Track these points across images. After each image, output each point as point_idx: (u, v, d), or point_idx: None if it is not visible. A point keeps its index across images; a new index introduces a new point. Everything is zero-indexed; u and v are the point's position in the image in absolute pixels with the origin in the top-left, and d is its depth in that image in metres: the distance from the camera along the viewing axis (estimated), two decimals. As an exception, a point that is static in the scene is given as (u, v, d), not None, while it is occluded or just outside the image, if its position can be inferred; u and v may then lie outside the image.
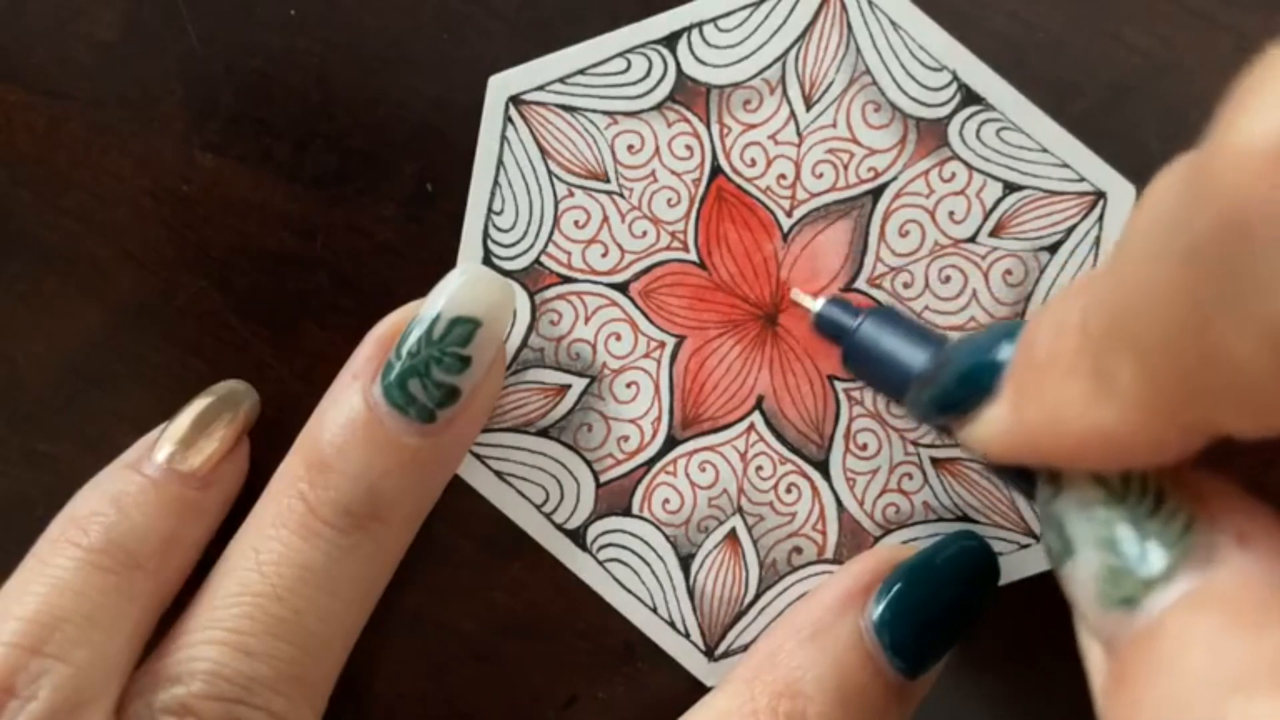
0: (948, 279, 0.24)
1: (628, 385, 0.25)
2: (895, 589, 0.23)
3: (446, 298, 0.23)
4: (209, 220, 0.25)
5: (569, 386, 0.25)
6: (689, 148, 0.25)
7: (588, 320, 0.25)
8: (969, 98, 0.24)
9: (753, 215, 0.25)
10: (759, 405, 0.25)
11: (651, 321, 0.25)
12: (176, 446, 0.24)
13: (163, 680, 0.22)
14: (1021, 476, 0.19)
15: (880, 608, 0.23)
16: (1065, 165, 0.24)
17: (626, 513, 0.25)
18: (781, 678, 0.23)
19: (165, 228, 0.25)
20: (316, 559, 0.22)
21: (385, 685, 0.25)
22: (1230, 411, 0.13)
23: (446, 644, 0.26)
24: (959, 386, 0.18)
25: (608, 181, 0.25)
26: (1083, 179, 0.24)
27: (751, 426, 0.25)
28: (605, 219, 0.25)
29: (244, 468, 0.25)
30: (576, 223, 0.25)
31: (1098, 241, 0.24)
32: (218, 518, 0.24)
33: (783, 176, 0.25)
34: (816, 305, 0.23)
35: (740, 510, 0.25)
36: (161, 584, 0.23)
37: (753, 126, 0.25)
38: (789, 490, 0.25)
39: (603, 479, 0.25)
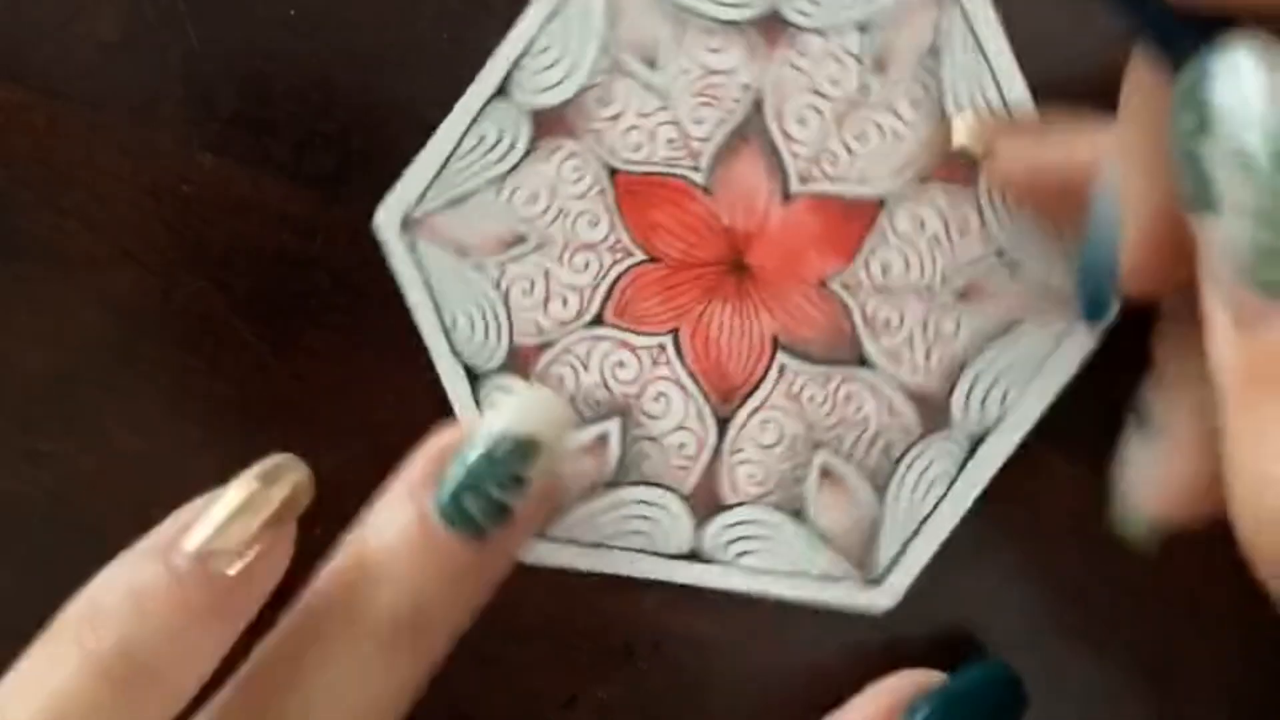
0: (862, 135, 0.25)
1: (656, 400, 0.25)
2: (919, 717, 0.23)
3: (507, 417, 0.23)
4: (209, 220, 0.25)
5: (607, 434, 0.25)
6: (577, 169, 0.25)
7: (586, 367, 0.25)
8: None
9: (666, 188, 0.25)
10: (777, 346, 0.25)
11: (640, 333, 0.25)
12: (211, 535, 0.20)
13: None
14: (1181, 34, 0.15)
15: None
16: None
17: (724, 509, 0.25)
18: None
19: (165, 228, 0.25)
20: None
21: (385, 685, 0.25)
22: None
23: (446, 644, 0.26)
24: None
25: (527, 241, 0.25)
26: None
27: (783, 368, 0.25)
28: (546, 272, 0.25)
29: (287, 558, 0.21)
30: (523, 291, 0.25)
31: (970, 27, 0.25)
32: (249, 615, 0.21)
33: (671, 140, 0.25)
34: None
35: (820, 445, 0.25)
36: (175, 692, 0.20)
37: (617, 117, 0.25)
38: (848, 399, 0.25)
39: (686, 491, 0.25)
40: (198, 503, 0.21)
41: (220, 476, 0.21)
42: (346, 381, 0.25)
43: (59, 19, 0.25)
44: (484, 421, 0.23)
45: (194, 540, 0.20)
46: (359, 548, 0.22)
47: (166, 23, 0.25)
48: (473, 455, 0.22)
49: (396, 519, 0.22)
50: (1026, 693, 0.24)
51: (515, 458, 0.22)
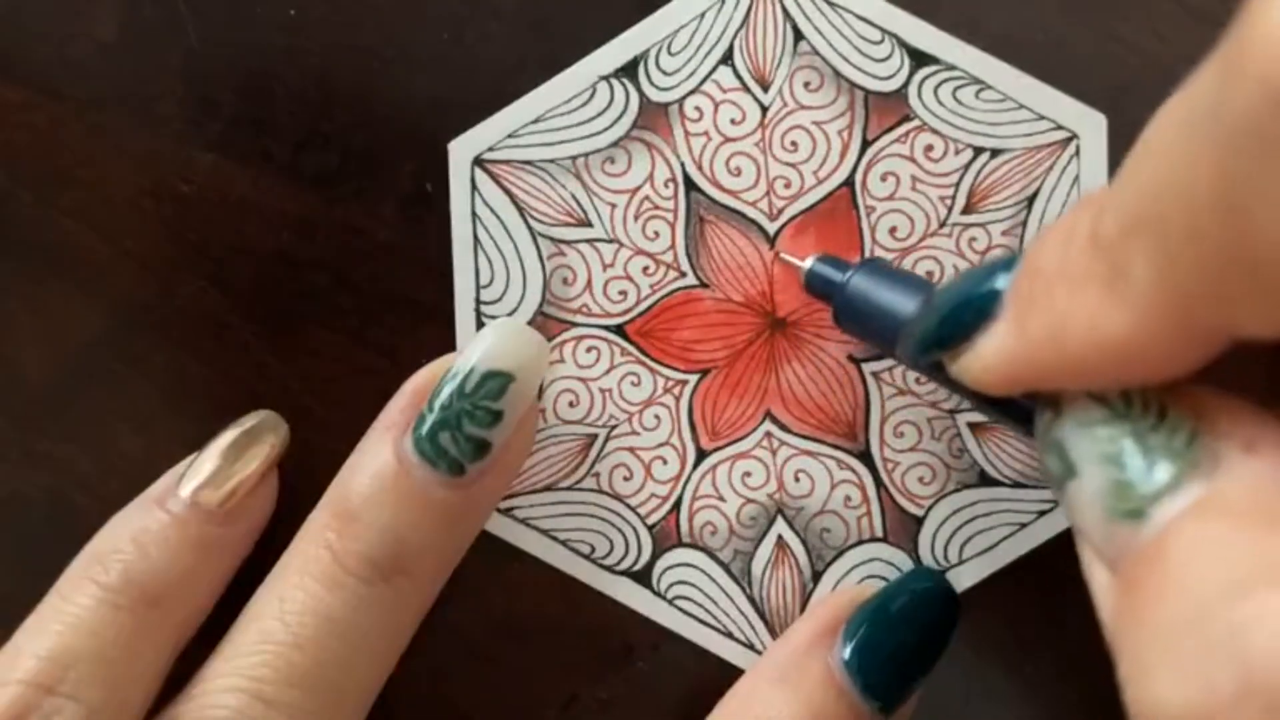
0: (792, 145, 0.24)
1: (798, 481, 0.25)
2: (859, 634, 0.23)
3: (479, 352, 0.23)
4: (209, 220, 0.25)
5: (780, 536, 0.25)
6: (590, 349, 0.25)
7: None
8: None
9: (672, 308, 0.25)
10: (859, 365, 0.25)
11: (745, 436, 0.25)
12: (202, 482, 0.24)
13: None
14: (1014, 408, 0.18)
15: (848, 650, 0.23)
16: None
17: (920, 522, 0.25)
18: (755, 717, 0.23)
19: (165, 228, 0.25)
20: (340, 610, 0.22)
21: (385, 685, 0.25)
22: (1254, 306, 0.13)
23: (446, 644, 0.26)
24: (955, 314, 0.18)
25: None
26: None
27: (877, 375, 0.25)
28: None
29: (271, 501, 0.25)
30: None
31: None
32: (242, 552, 0.24)
33: (646, 269, 0.25)
34: (806, 264, 0.23)
35: (956, 411, 0.25)
36: (180, 622, 0.23)
37: (589, 283, 0.25)
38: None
39: (881, 533, 0.25)
40: (188, 458, 0.24)
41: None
42: (346, 381, 0.25)
43: (59, 19, 0.25)
44: (457, 357, 0.23)
45: (187, 485, 0.23)
46: (340, 492, 0.23)
47: (166, 23, 0.25)
48: (446, 391, 0.23)
49: (373, 461, 0.23)
50: (959, 603, 0.24)
51: (488, 392, 0.23)
